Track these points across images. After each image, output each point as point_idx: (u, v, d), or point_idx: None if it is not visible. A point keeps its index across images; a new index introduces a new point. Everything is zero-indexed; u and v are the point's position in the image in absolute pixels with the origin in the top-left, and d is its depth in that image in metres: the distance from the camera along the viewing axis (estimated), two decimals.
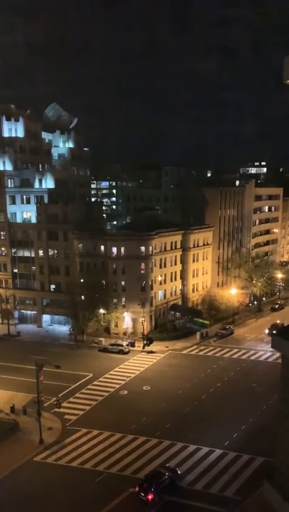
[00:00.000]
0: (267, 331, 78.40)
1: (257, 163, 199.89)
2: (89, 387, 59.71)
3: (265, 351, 72.23)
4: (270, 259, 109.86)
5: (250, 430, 48.63)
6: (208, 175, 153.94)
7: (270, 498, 33.47)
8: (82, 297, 76.75)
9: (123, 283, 78.40)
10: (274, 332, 76.11)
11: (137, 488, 38.05)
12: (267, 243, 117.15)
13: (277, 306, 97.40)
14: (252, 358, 70.04)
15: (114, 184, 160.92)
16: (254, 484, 38.44)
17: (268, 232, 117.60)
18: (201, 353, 72.20)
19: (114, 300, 78.10)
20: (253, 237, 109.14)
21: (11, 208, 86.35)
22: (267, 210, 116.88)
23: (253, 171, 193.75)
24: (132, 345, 74.05)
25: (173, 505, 37.50)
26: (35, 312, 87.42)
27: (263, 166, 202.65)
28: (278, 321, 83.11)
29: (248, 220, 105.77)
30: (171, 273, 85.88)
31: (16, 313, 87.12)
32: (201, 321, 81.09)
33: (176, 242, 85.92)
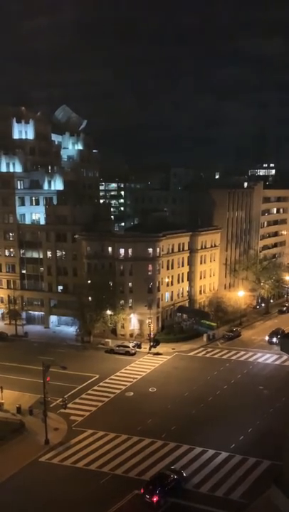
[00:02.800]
0: (267, 338, 77.74)
1: (265, 165, 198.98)
2: (95, 388, 59.86)
3: (273, 354, 71.83)
4: (278, 261, 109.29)
5: (257, 433, 48.38)
6: (217, 176, 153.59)
7: (278, 502, 33.35)
8: (90, 298, 76.97)
9: (130, 284, 78.51)
10: (274, 339, 76.00)
11: (142, 490, 38.04)
12: (275, 245, 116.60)
13: (284, 309, 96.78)
14: (259, 360, 69.69)
15: (122, 185, 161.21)
16: (260, 487, 38.32)
17: (276, 234, 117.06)
18: (207, 355, 72.00)
19: (121, 301, 78.25)
20: (261, 239, 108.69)
21: (20, 210, 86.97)
22: (275, 212, 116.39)
23: (261, 172, 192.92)
24: (139, 346, 74.09)
25: (178, 507, 37.42)
26: (42, 313, 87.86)
27: (272, 168, 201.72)
28: (279, 327, 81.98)
29: (256, 222, 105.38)
30: (179, 275, 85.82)
31: (24, 314, 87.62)
32: (208, 323, 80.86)
33: (183, 243, 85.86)
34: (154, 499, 37.09)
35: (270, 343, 76.41)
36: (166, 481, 38.50)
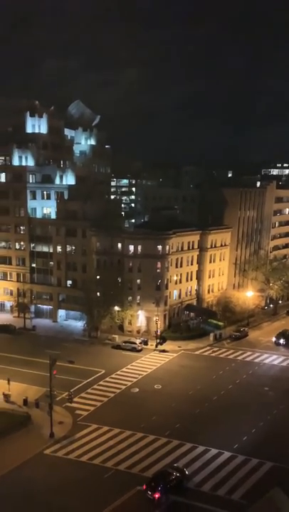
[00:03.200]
0: (274, 339, 77.42)
1: (279, 165, 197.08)
2: (101, 383, 60.31)
3: (279, 355, 71.60)
4: (288, 262, 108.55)
5: (261, 434, 48.37)
6: (229, 175, 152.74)
7: (281, 504, 33.30)
8: (98, 294, 77.40)
9: (138, 281, 78.73)
10: (281, 340, 75.72)
11: (144, 487, 38.37)
12: (286, 246, 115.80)
13: None
14: (265, 361, 69.53)
15: (133, 182, 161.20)
16: (262, 489, 38.31)
17: (287, 234, 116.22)
18: (213, 355, 72.02)
19: (129, 298, 78.52)
20: (271, 240, 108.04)
21: (31, 203, 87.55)
22: (287, 213, 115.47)
23: (274, 172, 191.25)
24: (145, 343, 74.37)
25: (180, 505, 37.66)
26: (51, 307, 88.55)
27: (286, 168, 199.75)
28: (287, 329, 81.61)
29: (268, 222, 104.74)
30: (187, 273, 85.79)
31: (32, 308, 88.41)
32: (215, 322, 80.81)
33: (193, 242, 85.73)
34: (156, 496, 37.40)
35: (277, 344, 76.18)
36: (169, 479, 38.76)
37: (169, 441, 46.62)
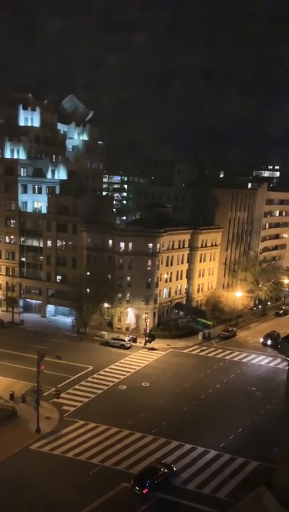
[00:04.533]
0: (261, 340, 77.90)
1: (270, 167, 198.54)
2: (88, 379, 60.03)
3: (267, 356, 72.07)
4: (277, 263, 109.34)
5: (247, 433, 48.63)
6: (221, 175, 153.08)
7: (267, 503, 33.52)
8: (88, 290, 77.01)
9: (129, 278, 78.53)
10: (268, 341, 76.32)
11: (131, 482, 38.35)
12: (275, 248, 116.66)
13: (281, 312, 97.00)
14: (253, 361, 69.91)
15: (126, 179, 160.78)
16: (247, 487, 38.53)
17: (277, 236, 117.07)
18: (202, 354, 72.20)
19: (119, 295, 78.28)
20: (261, 241, 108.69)
21: (22, 197, 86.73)
22: (278, 215, 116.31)
23: (266, 174, 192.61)
24: (134, 340, 74.24)
25: (165, 502, 37.65)
26: (39, 302, 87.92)
27: (277, 170, 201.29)
28: (274, 330, 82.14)
29: (258, 224, 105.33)
30: (178, 272, 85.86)
31: (21, 302, 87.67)
32: (204, 321, 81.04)
33: (184, 240, 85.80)
34: (144, 491, 37.52)
35: (264, 345, 76.67)
36: (157, 475, 38.87)
37: (155, 439, 46.58)
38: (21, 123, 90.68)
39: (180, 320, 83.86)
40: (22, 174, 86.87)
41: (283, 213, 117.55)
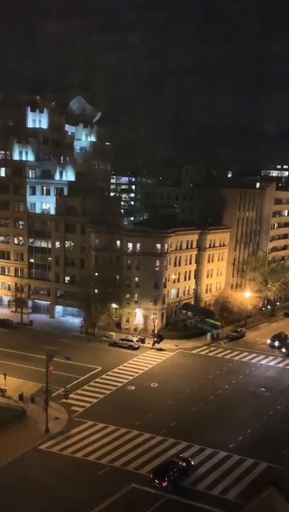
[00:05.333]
0: (269, 341, 77.28)
1: (279, 166, 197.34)
2: (97, 380, 60.14)
3: (276, 356, 71.62)
4: (286, 263, 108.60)
5: (256, 434, 48.35)
6: (229, 175, 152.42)
7: (276, 505, 33.26)
8: (96, 291, 77.18)
9: (137, 279, 78.55)
10: (276, 343, 75.74)
11: (151, 476, 39.12)
12: (284, 247, 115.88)
13: None
14: (262, 362, 69.52)
15: (133, 180, 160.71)
16: (257, 489, 38.25)
17: (286, 236, 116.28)
18: (210, 354, 71.96)
19: (127, 295, 78.29)
20: (270, 241, 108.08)
21: (30, 199, 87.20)
22: (286, 214, 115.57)
23: (274, 173, 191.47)
24: (142, 341, 74.23)
25: (174, 503, 37.60)
26: (48, 302, 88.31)
27: (285, 170, 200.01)
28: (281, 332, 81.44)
29: (267, 223, 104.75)
30: (186, 272, 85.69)
31: (30, 303, 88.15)
32: (212, 321, 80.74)
33: (192, 241, 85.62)
34: (164, 484, 38.28)
35: (272, 346, 76.01)
36: (175, 468, 39.66)
37: (164, 440, 46.53)
38: (29, 125, 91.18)
39: (188, 320, 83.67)
40: (30, 176, 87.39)
41: None
